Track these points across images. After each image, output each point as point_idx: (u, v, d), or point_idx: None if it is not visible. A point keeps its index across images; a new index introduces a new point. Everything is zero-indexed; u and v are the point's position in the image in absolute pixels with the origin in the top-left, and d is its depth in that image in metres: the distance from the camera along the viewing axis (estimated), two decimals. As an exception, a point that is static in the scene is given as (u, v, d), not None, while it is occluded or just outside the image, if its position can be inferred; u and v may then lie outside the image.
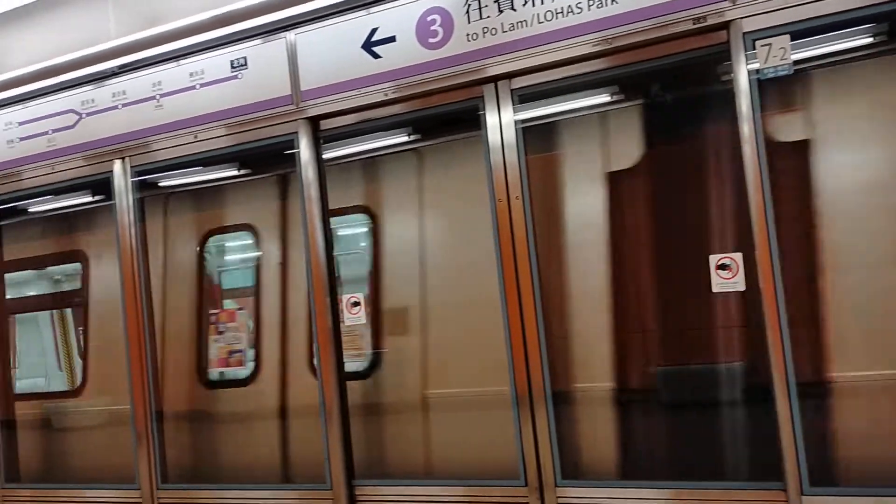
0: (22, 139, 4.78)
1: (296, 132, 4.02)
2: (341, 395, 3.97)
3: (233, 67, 4.12)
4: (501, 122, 3.60)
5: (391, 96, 3.78)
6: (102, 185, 4.64)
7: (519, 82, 3.57)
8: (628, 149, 3.71)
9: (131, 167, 4.47)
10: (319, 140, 4.06)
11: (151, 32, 4.18)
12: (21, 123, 4.78)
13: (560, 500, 3.44)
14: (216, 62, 4.17)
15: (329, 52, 3.90)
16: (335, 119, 4.01)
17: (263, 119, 4.09)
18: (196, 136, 4.26)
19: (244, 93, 4.13)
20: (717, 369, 3.51)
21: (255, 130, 4.13)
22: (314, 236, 4.00)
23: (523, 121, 3.59)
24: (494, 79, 3.58)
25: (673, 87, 3.59)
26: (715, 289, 3.26)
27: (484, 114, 3.64)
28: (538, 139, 3.72)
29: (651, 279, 3.72)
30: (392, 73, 3.76)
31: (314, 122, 4.02)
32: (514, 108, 3.58)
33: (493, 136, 3.62)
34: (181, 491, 4.31)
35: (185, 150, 4.33)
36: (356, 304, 4.01)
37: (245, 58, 4.09)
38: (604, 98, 3.67)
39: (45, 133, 4.69)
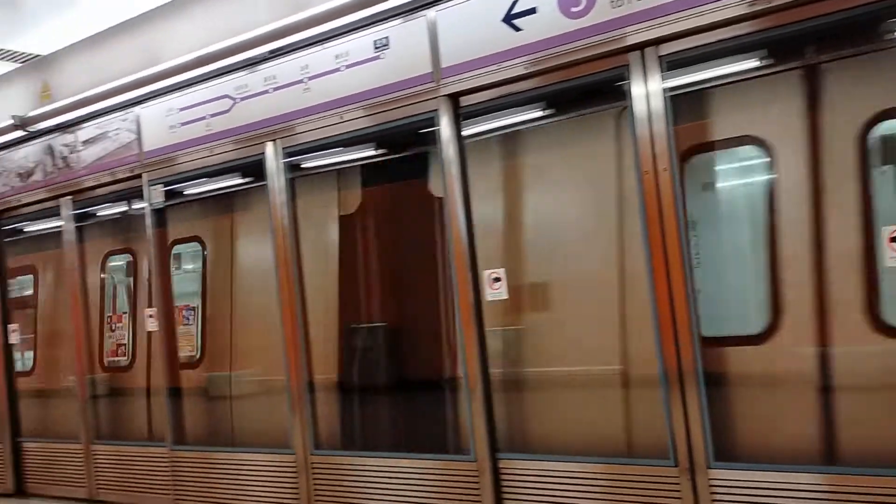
0: (182, 124, 5.11)
1: (436, 110, 4.06)
2: (483, 369, 4.01)
3: (376, 48, 4.20)
4: (648, 92, 3.47)
5: (532, 69, 3.73)
6: (252, 167, 4.90)
7: (667, 48, 3.42)
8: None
9: (282, 149, 4.66)
10: (459, 117, 4.07)
11: (299, 17, 4.32)
12: (181, 109, 5.10)
13: (712, 483, 3.32)
14: (360, 43, 4.26)
15: (469, 27, 3.90)
16: (475, 95, 4.01)
17: (405, 98, 4.15)
18: (341, 117, 4.40)
19: (386, 72, 4.21)
20: None
21: (397, 109, 4.20)
22: (455, 213, 4.04)
23: (671, 89, 3.44)
24: (641, 46, 3.45)
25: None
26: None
27: (629, 83, 3.51)
28: (687, 108, 3.56)
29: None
30: (533, 45, 3.70)
31: (454, 98, 4.04)
32: (661, 77, 3.43)
33: (639, 106, 3.49)
34: (333, 456, 4.51)
35: (330, 132, 4.47)
36: (497, 279, 4.01)
37: (387, 38, 4.16)
38: (756, 63, 3.45)
39: (203, 118, 4.99)
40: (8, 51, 5.78)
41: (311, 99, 4.50)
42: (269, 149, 4.70)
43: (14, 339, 6.45)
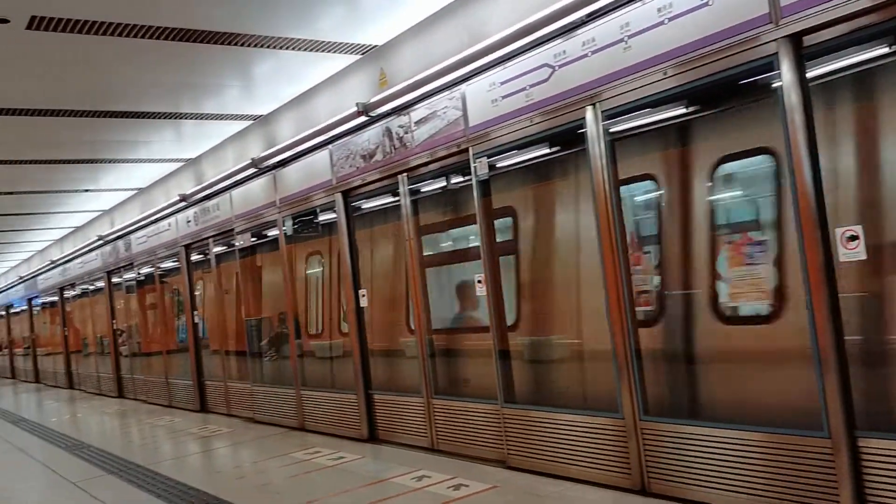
0: (503, 97, 5.30)
1: (775, 53, 3.71)
2: (837, 338, 3.62)
3: (703, -7, 3.95)
4: None
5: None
6: (570, 134, 4.93)
7: None
8: None
9: (601, 112, 4.62)
10: (802, 59, 3.68)
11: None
12: (502, 83, 5.30)
13: None
14: (685, -8, 4.05)
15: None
16: (819, 33, 3.59)
17: (737, 45, 3.86)
18: (665, 73, 4.22)
19: (714, 20, 3.94)
20: None
21: (727, 58, 3.92)
22: (800, 165, 3.67)
23: None
24: None
25: None
26: None
27: None
28: None
29: None
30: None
31: (796, 39, 3.65)
32: None
33: None
34: (664, 424, 4.42)
35: (652, 90, 4.32)
36: (853, 237, 3.57)
37: (716, -19, 3.89)
38: None
39: (523, 89, 5.13)
40: (350, 44, 6.46)
41: (631, 58, 4.38)
42: (589, 113, 4.69)
43: (364, 302, 7.31)
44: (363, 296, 7.32)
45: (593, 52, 4.60)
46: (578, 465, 4.97)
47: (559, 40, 4.82)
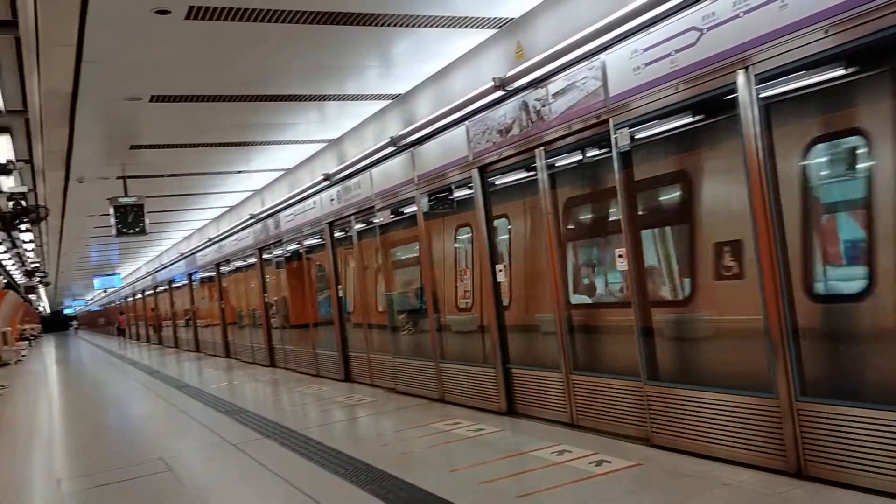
0: (646, 65, 5.12)
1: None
2: None
3: (874, -59, 3.63)
4: None
5: None
6: (711, 103, 4.69)
7: None
8: None
9: (754, 76, 4.37)
10: None
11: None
12: (645, 50, 5.12)
13: None
14: (853, -59, 3.73)
15: None
16: None
17: (911, -5, 3.52)
18: (826, 32, 3.92)
19: (884, -30, 3.61)
20: None
21: (897, 12, 3.59)
22: None
23: None
24: None
25: None
26: None
27: None
28: None
29: None
30: None
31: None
32: None
33: None
34: (823, 405, 4.16)
35: (812, 50, 4.03)
36: None
37: (889, -74, 3.56)
38: None
39: (667, 55, 4.93)
40: (487, 18, 6.45)
41: (788, 16, 4.10)
42: (741, 77, 4.44)
43: (501, 277, 7.35)
44: (500, 271, 7.35)
45: (745, 13, 4.34)
46: (726, 445, 4.79)
47: (707, 1, 4.59)
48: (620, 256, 5.61)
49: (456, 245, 8.77)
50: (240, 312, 17.80)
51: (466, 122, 7.38)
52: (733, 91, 4.50)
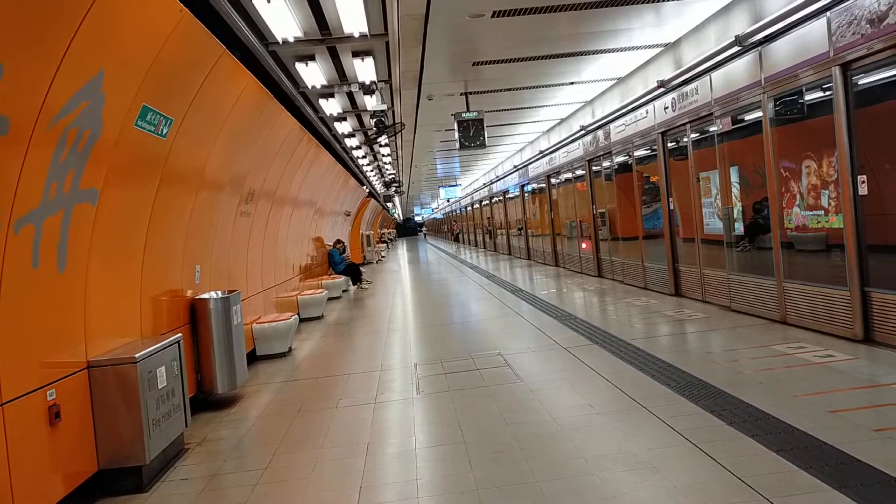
0: None
1: None
2: None
3: None
4: None
5: None
6: None
7: None
8: None
9: None
10: None
11: None
12: None
13: None
14: None
15: None
16: None
17: None
18: None
19: None
20: None
21: None
22: None
23: None
24: None
25: None
26: None
27: None
28: None
29: None
30: None
31: None
32: None
33: None
34: None
35: None
36: None
37: None
38: None
39: None
40: None
41: None
42: None
43: (863, 190, 6.49)
44: (862, 183, 6.49)
45: None
46: None
47: None
48: None
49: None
50: (570, 223, 18.25)
51: (828, 13, 6.49)
52: None
